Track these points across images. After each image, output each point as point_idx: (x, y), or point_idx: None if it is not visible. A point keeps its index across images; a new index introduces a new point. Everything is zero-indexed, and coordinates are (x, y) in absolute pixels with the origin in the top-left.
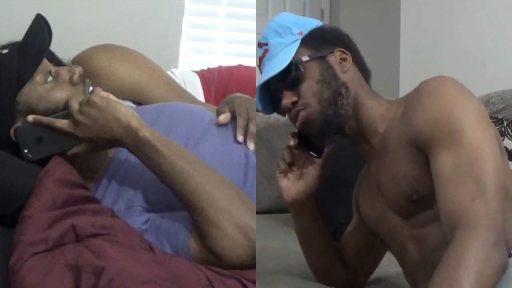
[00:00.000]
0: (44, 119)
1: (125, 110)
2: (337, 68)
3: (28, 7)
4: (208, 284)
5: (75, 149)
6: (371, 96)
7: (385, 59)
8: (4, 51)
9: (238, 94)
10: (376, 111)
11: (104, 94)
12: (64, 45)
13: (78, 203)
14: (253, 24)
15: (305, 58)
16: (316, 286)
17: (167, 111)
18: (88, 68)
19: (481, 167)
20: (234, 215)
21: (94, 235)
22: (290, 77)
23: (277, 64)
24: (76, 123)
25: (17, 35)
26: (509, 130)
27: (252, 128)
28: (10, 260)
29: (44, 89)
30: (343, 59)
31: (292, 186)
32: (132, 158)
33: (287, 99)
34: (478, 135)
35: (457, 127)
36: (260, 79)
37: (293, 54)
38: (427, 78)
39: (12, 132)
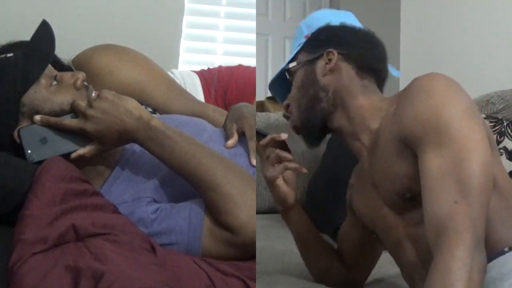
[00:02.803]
0: (52, 118)
1: (136, 104)
2: (319, 72)
3: (28, 7)
4: (209, 284)
5: (81, 151)
6: (361, 93)
7: None
8: (9, 55)
9: (246, 111)
10: (366, 109)
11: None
12: (64, 45)
13: (78, 197)
14: (253, 24)
15: (292, 65)
16: (316, 286)
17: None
18: (88, 68)
19: (466, 168)
20: (246, 192)
21: (94, 235)
22: (286, 82)
23: (281, 67)
24: (86, 118)
25: (17, 35)
26: (509, 130)
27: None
28: (10, 260)
29: (49, 91)
30: (330, 60)
31: (289, 190)
32: (138, 157)
33: (285, 100)
34: (466, 134)
35: (444, 126)
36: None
37: (290, 59)
38: None
39: (16, 133)
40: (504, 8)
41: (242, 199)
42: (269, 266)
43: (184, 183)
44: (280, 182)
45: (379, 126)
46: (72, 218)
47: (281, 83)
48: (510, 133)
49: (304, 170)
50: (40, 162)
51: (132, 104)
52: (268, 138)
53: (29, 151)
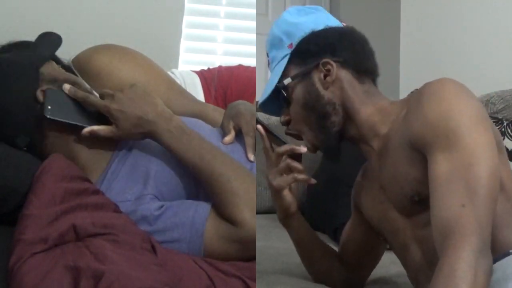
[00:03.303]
0: (80, 92)
1: (161, 101)
2: (320, 86)
3: (28, 7)
4: (209, 284)
5: (95, 127)
6: (367, 100)
7: (385, 59)
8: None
9: (242, 108)
10: (374, 117)
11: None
12: (64, 45)
13: (79, 196)
14: (253, 24)
15: (287, 81)
16: (316, 286)
17: None
18: (88, 68)
19: (474, 173)
20: (249, 190)
21: (94, 235)
22: (280, 98)
23: (270, 84)
24: (113, 99)
25: (17, 35)
26: (509, 130)
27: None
28: (10, 260)
29: (61, 70)
30: (328, 71)
31: (293, 199)
32: (136, 154)
33: (283, 117)
34: (475, 140)
35: (454, 131)
36: (260, 97)
37: (280, 74)
38: (427, 78)
39: (40, 91)
40: (504, 8)
41: (247, 196)
42: (269, 266)
43: (181, 181)
44: (286, 192)
45: (389, 130)
46: (72, 218)
47: (271, 98)
48: (510, 133)
49: (313, 181)
50: (53, 121)
51: (158, 100)
52: (287, 148)
53: (49, 107)
